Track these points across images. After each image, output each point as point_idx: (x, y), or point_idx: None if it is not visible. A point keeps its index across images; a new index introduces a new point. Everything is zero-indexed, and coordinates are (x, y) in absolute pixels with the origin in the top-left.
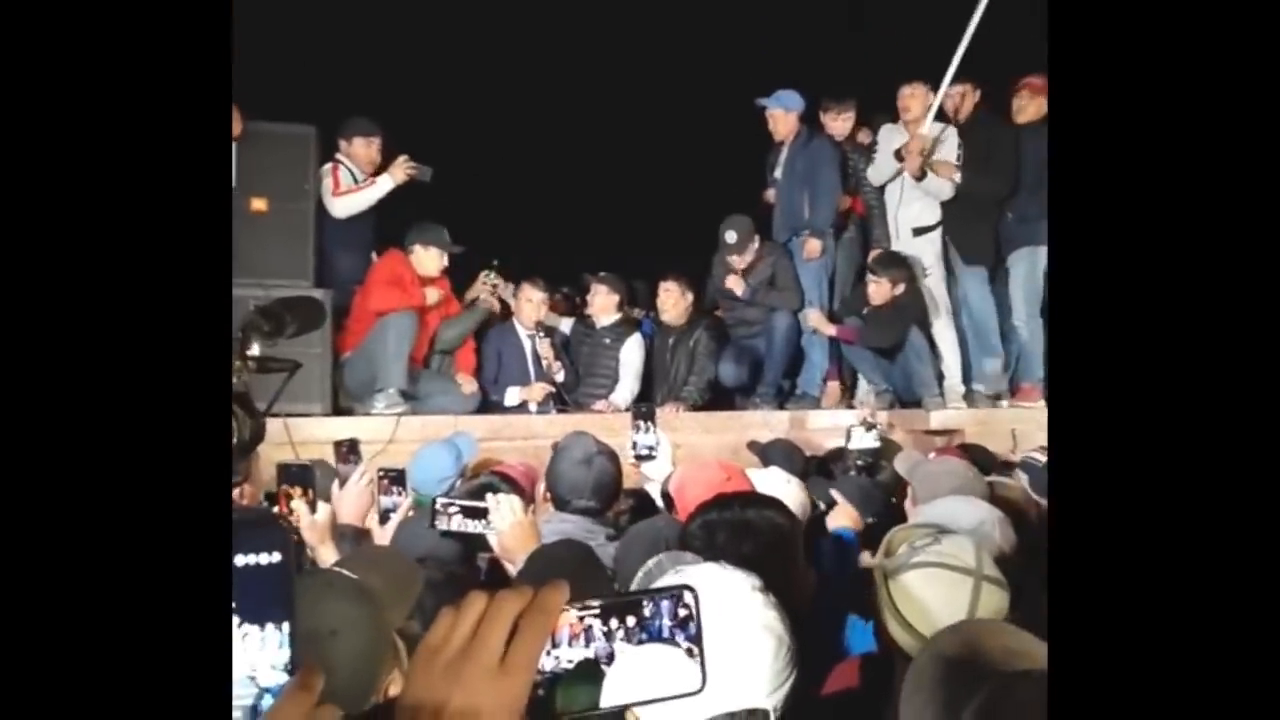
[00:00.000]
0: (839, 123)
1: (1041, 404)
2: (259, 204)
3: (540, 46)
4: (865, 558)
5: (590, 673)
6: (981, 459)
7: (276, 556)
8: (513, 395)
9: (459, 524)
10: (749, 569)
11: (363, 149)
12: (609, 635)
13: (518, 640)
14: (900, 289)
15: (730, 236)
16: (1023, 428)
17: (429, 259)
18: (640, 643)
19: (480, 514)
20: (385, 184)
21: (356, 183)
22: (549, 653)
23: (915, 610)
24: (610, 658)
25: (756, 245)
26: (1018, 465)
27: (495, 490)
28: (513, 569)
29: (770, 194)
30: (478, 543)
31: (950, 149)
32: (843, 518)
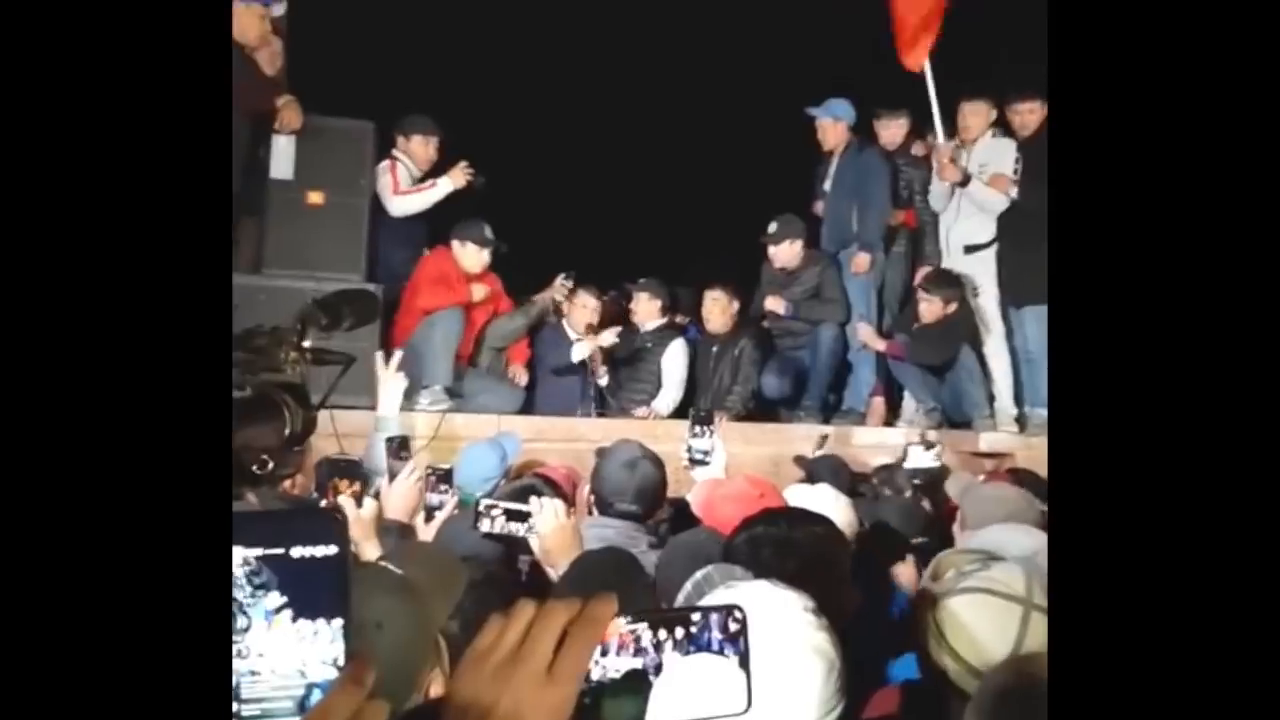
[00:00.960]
0: (890, 131)
1: None
2: (316, 197)
3: (593, 51)
4: (906, 576)
5: (637, 684)
6: (1033, 484)
7: (333, 549)
8: (580, 349)
9: (501, 526)
10: (795, 587)
11: (421, 147)
12: (658, 645)
13: (566, 649)
14: (952, 308)
15: (771, 226)
16: None
17: (469, 255)
18: (688, 654)
19: (522, 517)
20: (445, 186)
21: (413, 180)
22: (597, 662)
23: (962, 637)
24: (658, 669)
25: (800, 245)
26: None
27: (538, 493)
28: (553, 573)
29: (819, 207)
30: (520, 545)
31: (1007, 162)
32: (906, 578)
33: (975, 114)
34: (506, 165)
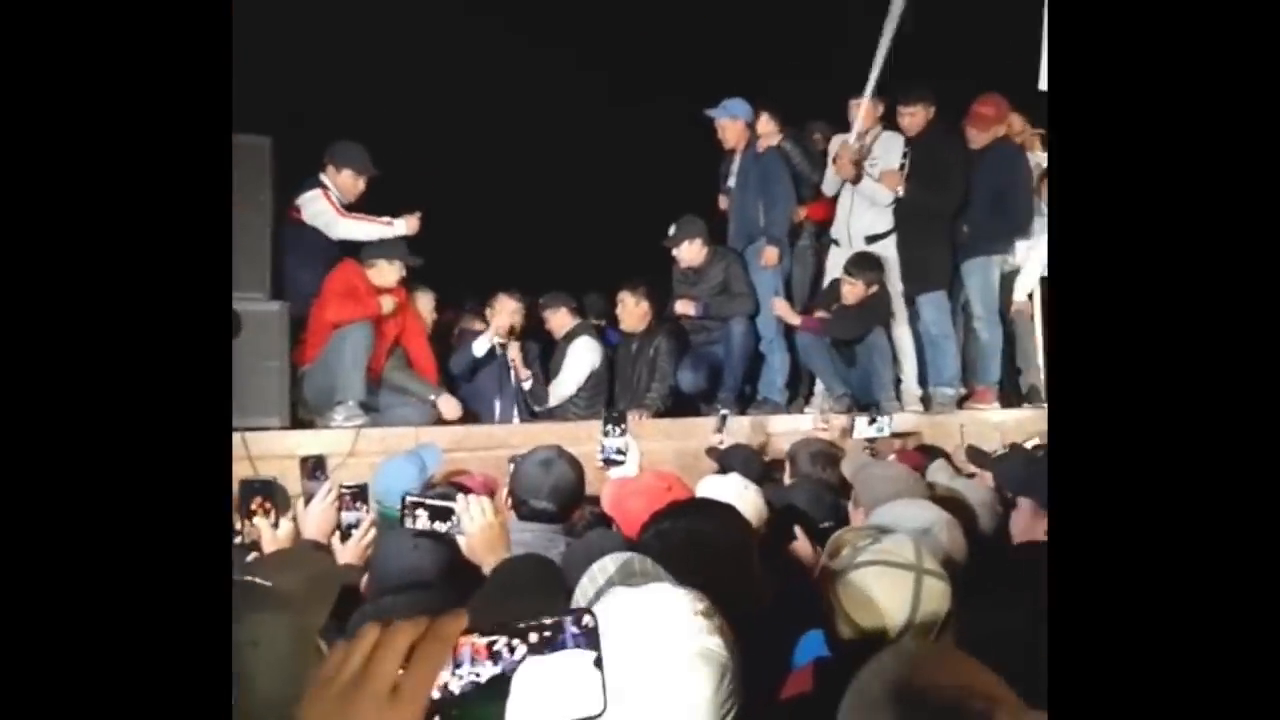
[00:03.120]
0: (769, 126)
1: (996, 406)
2: None
3: (496, 62)
4: (804, 552)
5: (498, 691)
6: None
7: None
8: (482, 343)
9: (425, 524)
10: (702, 578)
11: (350, 181)
12: (513, 650)
13: (410, 668)
14: (873, 290)
15: (671, 229)
16: (974, 428)
17: (391, 271)
18: (544, 655)
19: (446, 514)
20: (400, 229)
21: (341, 207)
22: (454, 672)
23: (862, 608)
24: (516, 672)
25: (701, 243)
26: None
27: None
28: (486, 570)
29: (723, 201)
30: (455, 555)
31: (895, 157)
32: (804, 554)
33: (861, 110)
34: (412, 180)
